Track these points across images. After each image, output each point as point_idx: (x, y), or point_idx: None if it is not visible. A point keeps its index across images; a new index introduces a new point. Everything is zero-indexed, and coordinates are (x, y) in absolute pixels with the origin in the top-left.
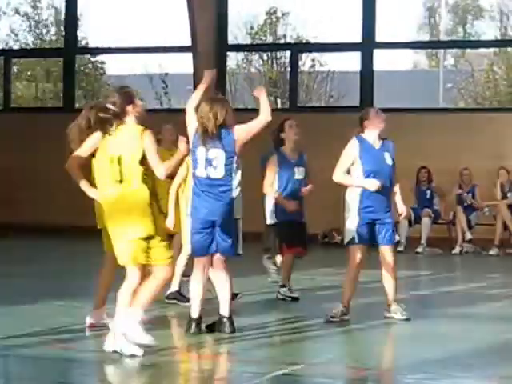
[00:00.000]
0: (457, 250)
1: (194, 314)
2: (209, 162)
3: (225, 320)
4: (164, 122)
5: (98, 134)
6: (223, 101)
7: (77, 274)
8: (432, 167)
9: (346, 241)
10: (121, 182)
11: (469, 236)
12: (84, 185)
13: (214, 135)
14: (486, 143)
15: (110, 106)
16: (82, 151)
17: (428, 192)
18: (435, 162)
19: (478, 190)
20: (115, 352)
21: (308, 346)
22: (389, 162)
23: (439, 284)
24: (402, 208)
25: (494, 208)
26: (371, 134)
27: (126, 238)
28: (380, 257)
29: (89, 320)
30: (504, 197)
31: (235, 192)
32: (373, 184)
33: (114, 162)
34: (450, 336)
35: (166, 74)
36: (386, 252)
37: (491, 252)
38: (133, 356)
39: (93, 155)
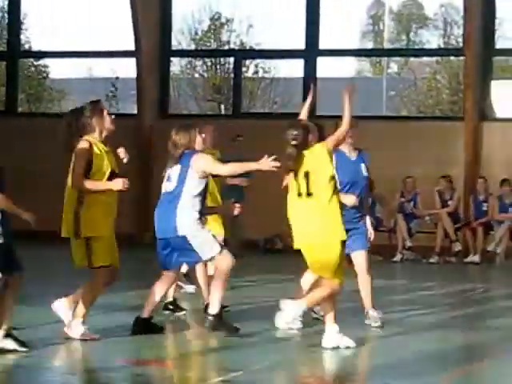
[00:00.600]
0: (397, 257)
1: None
2: None
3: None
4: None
5: None
6: None
7: None
8: (374, 175)
9: None
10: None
11: (409, 244)
12: None
13: None
14: (428, 151)
15: None
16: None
17: (369, 200)
18: (377, 170)
19: (421, 197)
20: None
21: (248, 353)
22: (364, 173)
23: (378, 292)
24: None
25: (435, 216)
26: (345, 146)
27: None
28: (354, 264)
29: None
30: (445, 205)
31: None
32: (351, 200)
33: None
34: (389, 344)
35: (117, 77)
36: (360, 257)
37: (431, 260)
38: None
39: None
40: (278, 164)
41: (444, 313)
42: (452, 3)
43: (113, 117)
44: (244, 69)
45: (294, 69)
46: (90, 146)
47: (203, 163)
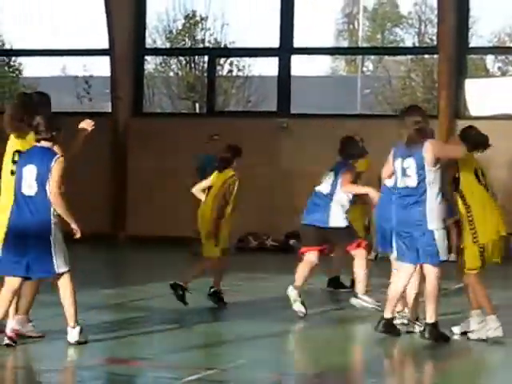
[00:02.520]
0: (372, 255)
1: None
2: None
3: None
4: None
5: None
6: None
7: None
8: None
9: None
10: None
11: None
12: None
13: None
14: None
15: None
16: None
17: None
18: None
19: None
20: None
21: (222, 351)
22: None
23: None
24: None
25: None
26: None
27: None
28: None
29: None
30: None
31: None
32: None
33: None
34: (365, 341)
35: (91, 75)
36: None
37: None
38: None
39: None
40: None
41: None
42: (426, 2)
43: None
44: (218, 67)
45: (268, 67)
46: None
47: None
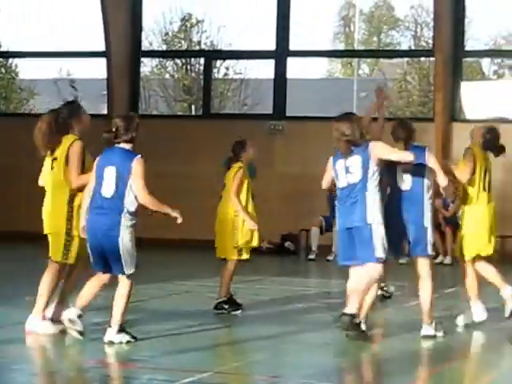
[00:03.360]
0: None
1: None
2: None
3: None
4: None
5: None
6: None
7: None
8: None
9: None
10: None
11: None
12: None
13: None
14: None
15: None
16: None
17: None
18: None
19: None
20: None
21: (217, 354)
22: None
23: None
24: None
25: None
26: None
27: None
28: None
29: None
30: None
31: None
32: None
33: None
34: (356, 343)
35: (73, 79)
36: None
37: (401, 260)
38: None
39: None
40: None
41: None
42: (422, 5)
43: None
44: (214, 70)
45: (264, 70)
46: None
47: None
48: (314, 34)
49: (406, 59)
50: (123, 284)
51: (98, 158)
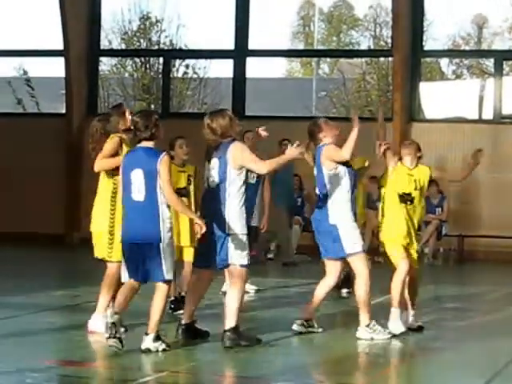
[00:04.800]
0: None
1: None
2: None
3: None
4: (28, 126)
5: None
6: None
7: None
8: (304, 175)
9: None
10: None
11: None
12: None
13: None
14: (357, 151)
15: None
16: None
17: (299, 199)
18: (307, 169)
19: None
20: None
21: (174, 353)
22: None
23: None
24: None
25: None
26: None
27: None
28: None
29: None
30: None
31: None
32: None
33: None
34: (314, 344)
35: (27, 77)
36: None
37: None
38: None
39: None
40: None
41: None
42: (381, 5)
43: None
44: (173, 69)
45: (223, 69)
46: (121, 142)
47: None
48: (274, 34)
49: (365, 59)
50: (162, 290)
51: (122, 162)
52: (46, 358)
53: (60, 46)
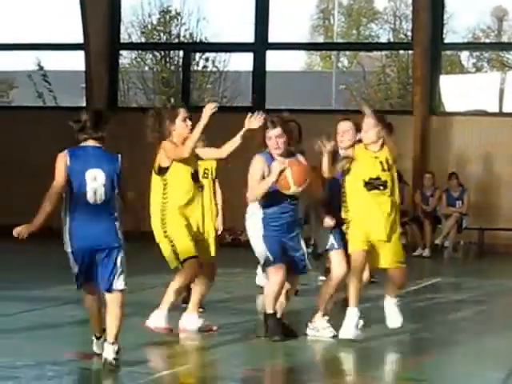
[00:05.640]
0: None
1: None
2: None
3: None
4: (47, 119)
5: None
6: None
7: None
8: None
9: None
10: None
11: None
12: None
13: None
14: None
15: None
16: None
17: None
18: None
19: None
20: None
21: (197, 347)
22: None
23: None
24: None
25: None
26: None
27: None
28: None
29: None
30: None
31: None
32: None
33: None
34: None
35: (44, 71)
36: None
37: None
38: None
39: None
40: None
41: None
42: None
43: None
44: (193, 62)
45: (243, 62)
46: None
47: None
48: (293, 27)
49: (384, 52)
50: (118, 298)
51: (68, 161)
52: (67, 351)
53: (80, 40)
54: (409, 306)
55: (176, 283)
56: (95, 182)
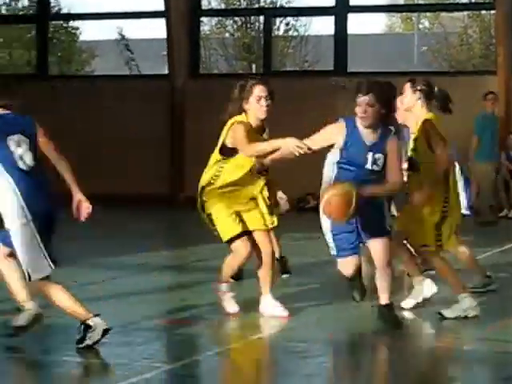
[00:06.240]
0: None
1: None
2: None
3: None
4: (132, 88)
5: None
6: None
7: None
8: None
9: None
10: None
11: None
12: None
13: None
14: (460, 106)
15: None
16: None
17: None
18: None
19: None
20: None
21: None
22: None
23: None
24: None
25: None
26: None
27: None
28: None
29: None
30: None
31: None
32: None
33: None
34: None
35: (127, 40)
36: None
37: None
38: None
39: None
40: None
41: None
42: None
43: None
44: (274, 27)
45: (324, 26)
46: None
47: None
48: None
49: (466, 12)
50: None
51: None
52: (155, 317)
53: (161, 7)
54: (494, 268)
55: (229, 262)
56: None
